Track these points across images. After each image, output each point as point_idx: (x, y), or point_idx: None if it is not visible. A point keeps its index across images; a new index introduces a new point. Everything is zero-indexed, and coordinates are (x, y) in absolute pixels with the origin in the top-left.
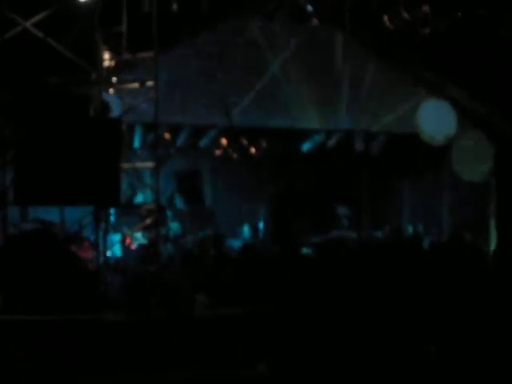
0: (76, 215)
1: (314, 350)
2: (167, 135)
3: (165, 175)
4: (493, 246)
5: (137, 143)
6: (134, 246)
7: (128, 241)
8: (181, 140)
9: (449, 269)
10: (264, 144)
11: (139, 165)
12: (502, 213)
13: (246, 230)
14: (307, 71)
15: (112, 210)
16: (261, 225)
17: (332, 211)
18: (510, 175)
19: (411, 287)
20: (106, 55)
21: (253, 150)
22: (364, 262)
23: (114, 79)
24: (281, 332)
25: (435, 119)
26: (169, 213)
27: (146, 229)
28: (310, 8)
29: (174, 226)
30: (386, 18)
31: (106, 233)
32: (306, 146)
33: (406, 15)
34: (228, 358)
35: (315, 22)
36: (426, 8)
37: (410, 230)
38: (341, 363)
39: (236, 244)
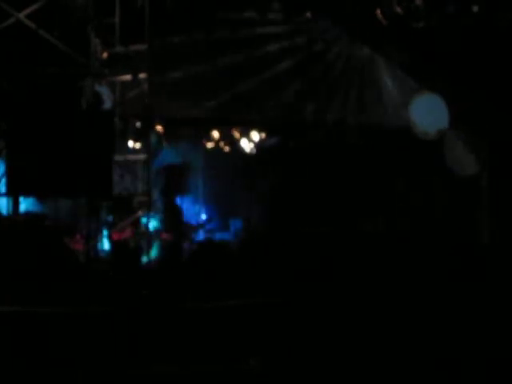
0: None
1: (306, 344)
2: (159, 128)
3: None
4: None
5: (129, 136)
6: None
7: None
8: (173, 133)
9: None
10: (256, 137)
11: (131, 157)
12: (494, 208)
13: (236, 223)
14: (301, 64)
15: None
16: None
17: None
18: (503, 171)
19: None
20: (99, 47)
21: (244, 142)
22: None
23: (107, 71)
24: (273, 326)
25: (427, 113)
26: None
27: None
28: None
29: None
30: (378, 11)
31: (98, 225)
32: (296, 140)
33: (398, 9)
34: (219, 351)
35: (308, 16)
36: (419, 2)
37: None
38: (333, 358)
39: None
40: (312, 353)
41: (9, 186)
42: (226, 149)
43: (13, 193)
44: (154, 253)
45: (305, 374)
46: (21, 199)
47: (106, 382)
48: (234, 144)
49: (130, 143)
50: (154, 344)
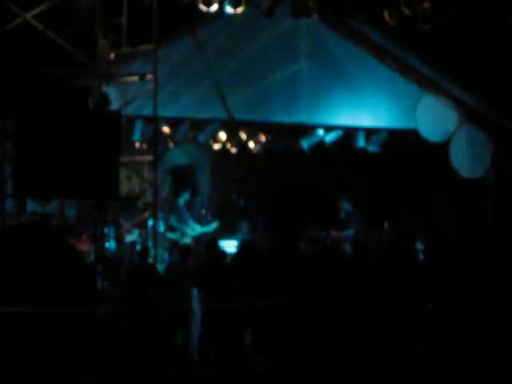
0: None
1: (312, 345)
2: (166, 129)
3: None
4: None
5: (136, 137)
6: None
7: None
8: (180, 134)
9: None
10: (263, 139)
11: (138, 158)
12: (499, 209)
13: (243, 225)
14: (307, 66)
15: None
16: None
17: (333, 206)
18: (509, 171)
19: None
20: (106, 48)
21: (251, 144)
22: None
23: (114, 72)
24: (279, 327)
25: (434, 116)
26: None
27: (141, 224)
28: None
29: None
30: (386, 13)
31: (104, 226)
32: (306, 143)
33: (406, 11)
34: (226, 352)
35: (315, 17)
36: (426, 4)
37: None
38: (336, 357)
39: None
40: (317, 353)
41: (16, 187)
42: (233, 150)
43: (20, 194)
44: (160, 253)
45: (310, 374)
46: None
47: (110, 380)
48: (241, 145)
49: (137, 144)
50: (160, 344)
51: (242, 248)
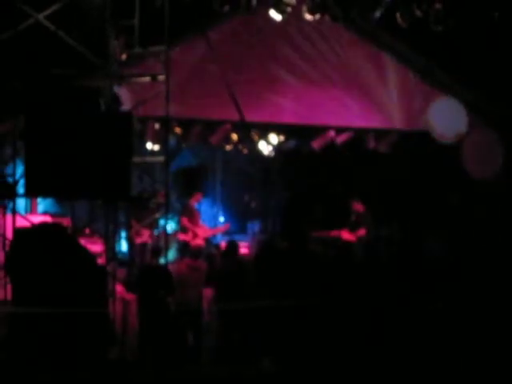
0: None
1: (319, 345)
2: (178, 130)
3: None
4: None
5: (148, 137)
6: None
7: (136, 233)
8: (192, 135)
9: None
10: (274, 140)
11: (150, 159)
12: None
13: (254, 226)
14: (319, 67)
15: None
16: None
17: (344, 207)
18: None
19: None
20: (118, 49)
21: (263, 145)
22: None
23: (126, 72)
24: (286, 327)
25: (446, 117)
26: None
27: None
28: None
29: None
30: (398, 15)
31: (116, 227)
32: (316, 144)
33: (418, 12)
34: (234, 352)
35: (327, 18)
36: (438, 5)
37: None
38: (344, 358)
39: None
40: (323, 354)
41: (27, 187)
42: (245, 151)
43: (31, 194)
44: (171, 254)
45: (317, 375)
46: (39, 200)
47: (119, 380)
48: (253, 146)
49: (149, 145)
50: (170, 344)
51: (263, 247)
